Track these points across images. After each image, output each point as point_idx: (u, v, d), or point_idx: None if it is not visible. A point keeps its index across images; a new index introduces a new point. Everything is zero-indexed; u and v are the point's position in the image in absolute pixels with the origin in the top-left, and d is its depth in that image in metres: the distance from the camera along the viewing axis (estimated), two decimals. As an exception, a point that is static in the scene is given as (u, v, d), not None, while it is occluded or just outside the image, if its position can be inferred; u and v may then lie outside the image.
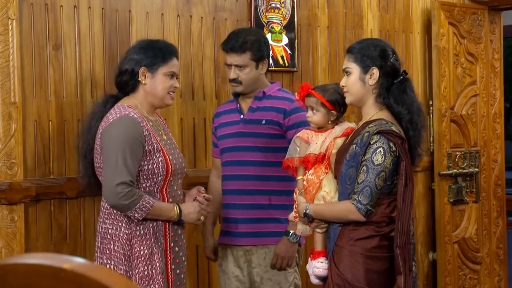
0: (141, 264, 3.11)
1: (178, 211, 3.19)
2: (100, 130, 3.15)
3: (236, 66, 3.59)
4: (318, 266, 3.08)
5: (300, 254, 3.69)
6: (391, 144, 2.93)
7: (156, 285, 3.11)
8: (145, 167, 3.13)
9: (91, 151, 3.23)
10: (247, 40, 3.59)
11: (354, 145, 2.98)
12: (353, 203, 2.93)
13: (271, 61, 4.42)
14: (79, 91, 3.73)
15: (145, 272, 3.11)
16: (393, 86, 3.04)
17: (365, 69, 3.03)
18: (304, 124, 3.38)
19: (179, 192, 3.29)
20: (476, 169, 5.49)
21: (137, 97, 3.25)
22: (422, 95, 5.32)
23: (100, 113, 3.24)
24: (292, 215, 3.25)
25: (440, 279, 5.29)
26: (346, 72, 3.08)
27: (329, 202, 3.05)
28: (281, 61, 4.53)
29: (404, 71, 3.09)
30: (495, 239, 5.63)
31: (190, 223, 3.33)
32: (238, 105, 3.71)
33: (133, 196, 3.04)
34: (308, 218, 3.07)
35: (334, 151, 3.09)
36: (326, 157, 3.11)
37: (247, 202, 3.63)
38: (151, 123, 3.21)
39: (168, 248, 3.21)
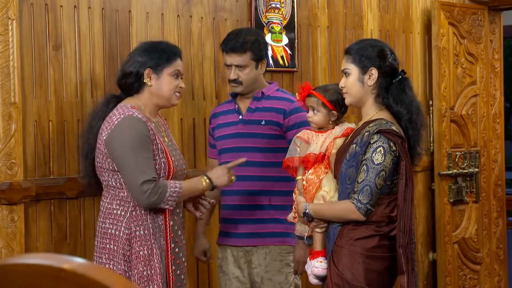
0: (140, 265, 3.10)
1: (207, 181, 3.22)
2: (104, 131, 3.14)
3: (237, 66, 3.59)
4: (317, 266, 3.08)
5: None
6: (391, 144, 2.94)
7: (155, 286, 3.11)
8: None
9: (92, 151, 3.23)
10: (247, 40, 3.59)
11: (354, 145, 2.98)
12: (353, 203, 2.93)
13: (271, 61, 4.43)
14: (79, 91, 3.73)
15: (144, 273, 3.11)
16: (392, 86, 3.04)
17: (364, 70, 3.04)
18: (304, 124, 3.39)
19: None
20: (476, 169, 5.49)
21: (141, 98, 3.25)
22: (422, 95, 5.32)
23: (102, 113, 3.24)
24: (291, 216, 3.25)
25: (440, 279, 5.29)
26: (345, 73, 3.09)
27: (328, 202, 3.05)
28: (281, 61, 4.53)
29: (403, 70, 3.10)
30: (495, 239, 5.63)
31: (221, 187, 3.35)
32: (236, 105, 3.71)
33: (159, 189, 3.06)
34: (308, 218, 3.07)
35: (334, 151, 3.10)
36: (326, 157, 3.12)
37: (247, 202, 3.63)
38: (153, 124, 3.22)
39: (169, 249, 3.21)
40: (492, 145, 5.64)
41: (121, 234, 3.12)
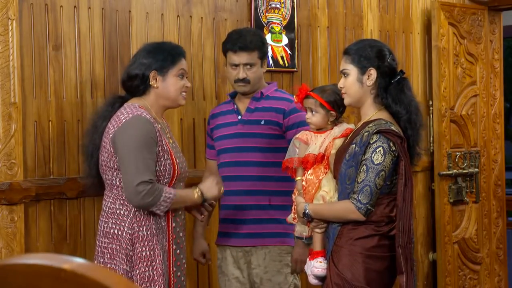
0: (142, 265, 3.10)
1: (199, 193, 3.23)
2: (111, 129, 3.14)
3: (245, 65, 3.59)
4: (317, 266, 3.08)
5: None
6: (391, 144, 2.94)
7: (157, 287, 3.11)
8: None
9: (97, 151, 3.23)
10: (253, 39, 3.61)
11: (354, 145, 2.99)
12: (352, 203, 2.93)
13: (271, 61, 4.43)
14: (79, 92, 3.73)
15: (146, 274, 3.11)
16: (390, 86, 3.05)
17: (363, 70, 3.04)
18: (304, 124, 3.39)
19: None
20: (476, 169, 5.49)
21: (148, 100, 3.25)
22: (422, 95, 5.32)
23: (107, 113, 3.25)
24: (290, 217, 3.25)
25: (440, 279, 5.29)
26: (344, 74, 3.09)
27: (328, 202, 3.05)
28: (281, 62, 4.53)
29: (401, 70, 3.10)
30: (495, 239, 5.63)
31: (212, 199, 3.35)
32: (235, 106, 3.70)
33: (155, 192, 3.06)
34: (307, 218, 3.07)
35: (333, 151, 3.10)
36: (325, 158, 3.12)
37: (247, 202, 3.62)
38: (159, 125, 3.22)
39: (171, 250, 3.21)
40: (492, 145, 5.64)
41: (124, 234, 3.12)
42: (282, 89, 3.97)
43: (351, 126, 3.20)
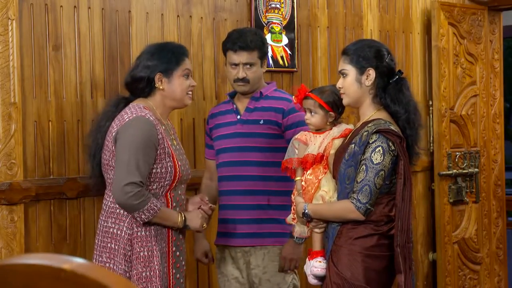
0: (140, 266, 3.10)
1: (183, 218, 3.20)
2: (114, 128, 3.14)
3: (245, 64, 3.59)
4: (316, 266, 3.08)
5: (299, 254, 3.69)
6: (390, 143, 2.95)
7: None
8: (154, 171, 3.13)
9: (100, 151, 3.24)
10: (254, 38, 3.61)
11: (353, 145, 2.99)
12: (352, 202, 2.93)
13: (271, 61, 4.43)
14: (79, 92, 3.73)
15: (143, 274, 3.10)
16: (389, 86, 3.05)
17: (361, 70, 3.05)
18: (303, 124, 3.39)
19: (182, 197, 3.29)
20: (476, 170, 5.49)
21: (153, 101, 3.25)
22: (422, 95, 5.32)
23: (111, 113, 3.25)
24: (290, 218, 3.25)
25: (440, 279, 5.29)
26: (342, 74, 3.10)
27: (328, 202, 3.06)
28: (281, 62, 4.53)
29: (400, 70, 3.11)
30: (495, 239, 5.63)
31: (192, 230, 3.33)
32: (234, 105, 3.70)
33: (142, 197, 3.04)
34: (307, 218, 3.08)
35: (332, 151, 3.11)
36: (324, 158, 3.12)
37: (247, 202, 3.62)
38: (163, 127, 3.22)
39: (170, 252, 3.21)
40: (492, 145, 5.64)
41: (123, 234, 3.12)
42: (281, 89, 3.97)
43: (350, 126, 3.21)
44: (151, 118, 3.14)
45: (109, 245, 3.15)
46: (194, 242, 3.75)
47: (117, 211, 3.14)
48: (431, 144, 5.33)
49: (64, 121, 3.68)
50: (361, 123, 3.09)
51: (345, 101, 3.11)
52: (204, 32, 4.23)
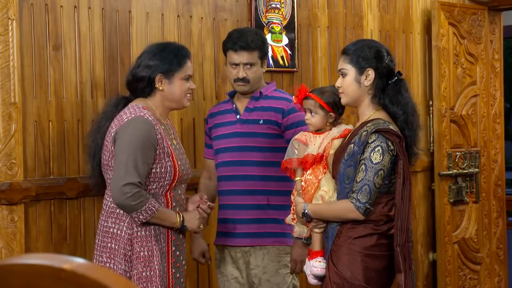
0: (140, 265, 3.10)
1: (181, 219, 3.19)
2: (113, 128, 3.15)
3: (246, 64, 3.59)
4: (316, 266, 3.08)
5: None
6: (389, 143, 2.95)
7: None
8: (153, 170, 3.13)
9: (99, 151, 3.24)
10: (255, 39, 3.61)
11: (352, 145, 3.00)
12: (352, 202, 2.94)
13: (271, 61, 4.43)
14: (79, 92, 3.73)
15: (144, 274, 3.11)
16: (388, 87, 3.06)
17: (361, 71, 3.06)
18: (302, 123, 3.39)
19: (182, 197, 3.29)
20: (476, 170, 5.49)
21: (153, 101, 3.26)
22: (422, 95, 5.32)
23: (110, 113, 3.25)
24: (289, 218, 3.26)
25: (440, 279, 5.29)
26: (342, 73, 3.11)
27: (327, 201, 3.06)
28: (281, 62, 4.53)
29: (399, 71, 3.12)
30: (495, 239, 5.63)
31: (190, 230, 3.34)
32: (234, 105, 3.70)
33: (140, 197, 3.04)
34: (307, 218, 3.08)
35: (332, 151, 3.11)
36: (324, 158, 3.13)
37: (246, 202, 3.62)
38: (163, 127, 3.22)
39: (170, 252, 3.21)
40: (492, 145, 5.64)
41: (123, 234, 3.12)
42: (281, 89, 3.97)
43: (349, 126, 3.21)
44: (150, 118, 3.14)
45: (109, 245, 3.15)
46: (191, 242, 3.74)
47: (117, 211, 3.14)
48: (431, 144, 5.32)
49: (64, 121, 3.68)
50: (360, 123, 3.09)
51: (343, 100, 3.12)
52: (204, 32, 4.23)
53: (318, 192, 3.09)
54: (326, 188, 3.08)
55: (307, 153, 3.15)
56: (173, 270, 3.22)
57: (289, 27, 4.56)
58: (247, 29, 3.81)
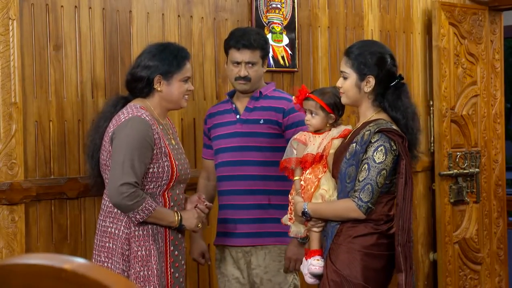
0: (137, 265, 3.11)
1: (179, 218, 3.20)
2: (111, 128, 3.15)
3: (248, 63, 3.59)
4: (314, 264, 3.09)
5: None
6: (392, 143, 2.96)
7: (151, 287, 3.11)
8: (150, 170, 3.14)
9: (97, 151, 3.24)
10: (257, 38, 3.62)
11: (354, 144, 3.00)
12: (354, 201, 2.94)
13: (271, 61, 4.43)
14: (80, 91, 3.73)
15: (141, 273, 3.11)
16: (388, 91, 3.07)
17: (362, 77, 3.07)
18: (303, 123, 3.39)
19: (181, 197, 3.29)
20: (477, 170, 5.48)
21: (151, 101, 3.26)
22: (422, 95, 5.32)
23: (109, 114, 3.25)
24: (286, 218, 3.26)
25: (440, 279, 5.29)
26: (343, 76, 3.11)
27: (328, 200, 3.06)
28: (281, 62, 4.53)
29: (400, 75, 3.11)
30: (496, 239, 5.63)
31: (188, 230, 3.34)
32: (234, 105, 3.70)
33: (137, 197, 3.05)
34: (306, 217, 3.08)
35: (332, 151, 3.12)
36: (324, 157, 3.13)
37: (247, 202, 3.62)
38: (161, 126, 3.22)
39: (168, 251, 3.21)
40: (492, 145, 5.64)
41: (121, 234, 3.13)
42: (280, 89, 3.97)
43: (349, 127, 3.22)
44: (147, 118, 3.14)
45: (107, 244, 3.15)
46: (190, 243, 3.73)
47: (115, 210, 3.15)
48: (432, 144, 5.32)
49: (64, 121, 3.68)
50: (361, 123, 3.10)
51: (343, 100, 3.14)
52: (204, 32, 4.23)
53: (318, 191, 3.09)
54: (326, 187, 3.09)
55: (307, 152, 3.15)
56: (172, 270, 3.22)
57: (289, 27, 4.56)
58: (249, 29, 3.83)
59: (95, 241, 3.23)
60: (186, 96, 3.32)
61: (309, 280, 3.15)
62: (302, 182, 3.15)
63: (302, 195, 3.12)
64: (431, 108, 5.31)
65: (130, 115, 3.13)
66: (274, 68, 4.46)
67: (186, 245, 3.39)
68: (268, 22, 4.48)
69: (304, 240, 3.41)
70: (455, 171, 5.34)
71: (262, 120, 3.63)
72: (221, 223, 3.72)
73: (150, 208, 3.08)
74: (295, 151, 3.21)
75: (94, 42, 3.79)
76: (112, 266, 3.12)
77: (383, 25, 5.10)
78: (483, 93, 5.56)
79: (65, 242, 3.67)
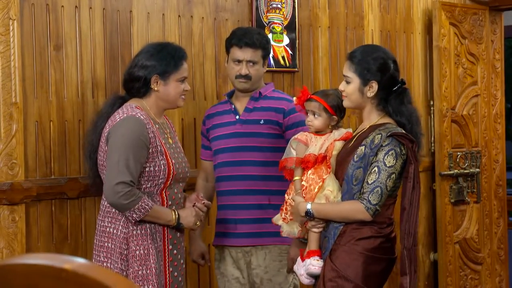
0: (136, 264, 3.11)
1: (176, 216, 3.20)
2: (107, 128, 3.16)
3: (249, 61, 3.59)
4: (314, 264, 3.09)
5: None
6: (402, 147, 3.00)
7: (150, 286, 3.11)
8: (147, 169, 3.14)
9: (95, 151, 3.25)
10: (259, 37, 3.63)
11: (363, 147, 3.02)
12: (362, 203, 2.96)
13: (272, 61, 4.43)
14: (80, 92, 3.73)
15: (140, 272, 3.11)
16: (391, 96, 3.09)
17: (365, 82, 3.09)
18: (303, 124, 3.39)
19: (179, 196, 3.29)
20: (477, 170, 5.48)
21: (148, 101, 3.27)
22: (423, 95, 5.32)
23: (106, 114, 3.27)
24: (277, 218, 3.26)
25: (441, 279, 5.29)
26: (346, 80, 3.12)
27: (332, 202, 3.07)
28: (282, 62, 4.53)
29: (402, 80, 3.12)
30: (496, 239, 5.63)
31: (186, 228, 3.33)
32: (233, 106, 3.70)
33: (133, 196, 3.05)
34: (310, 217, 3.08)
35: (335, 152, 3.13)
36: (327, 158, 3.13)
37: (248, 202, 3.62)
38: (157, 126, 3.23)
39: (166, 250, 3.21)
40: (493, 145, 5.64)
41: (119, 233, 3.13)
42: (280, 90, 3.97)
43: (350, 130, 3.23)
44: (142, 117, 3.15)
45: (106, 244, 3.16)
46: (190, 243, 3.73)
47: (113, 210, 3.15)
48: (432, 144, 5.32)
49: (65, 121, 3.68)
50: (368, 126, 3.11)
51: (345, 103, 3.16)
52: (205, 32, 4.23)
53: (322, 192, 3.09)
54: (331, 187, 3.09)
55: (309, 153, 3.15)
56: (171, 269, 3.23)
57: (290, 27, 4.56)
58: (251, 28, 3.85)
59: (95, 241, 3.24)
60: (183, 96, 3.32)
61: (305, 280, 3.15)
62: (303, 183, 3.14)
63: (304, 195, 3.11)
64: (432, 108, 5.31)
65: (125, 115, 3.14)
66: (274, 68, 4.46)
67: (185, 245, 3.39)
68: (269, 22, 4.48)
69: (305, 241, 3.41)
70: (456, 171, 5.34)
71: (262, 120, 3.63)
72: (220, 223, 3.71)
73: (147, 206, 3.08)
74: (294, 152, 3.21)
75: (95, 42, 3.79)
76: (111, 266, 3.13)
77: (384, 25, 5.10)
78: (483, 93, 5.56)
79: (65, 242, 3.67)
